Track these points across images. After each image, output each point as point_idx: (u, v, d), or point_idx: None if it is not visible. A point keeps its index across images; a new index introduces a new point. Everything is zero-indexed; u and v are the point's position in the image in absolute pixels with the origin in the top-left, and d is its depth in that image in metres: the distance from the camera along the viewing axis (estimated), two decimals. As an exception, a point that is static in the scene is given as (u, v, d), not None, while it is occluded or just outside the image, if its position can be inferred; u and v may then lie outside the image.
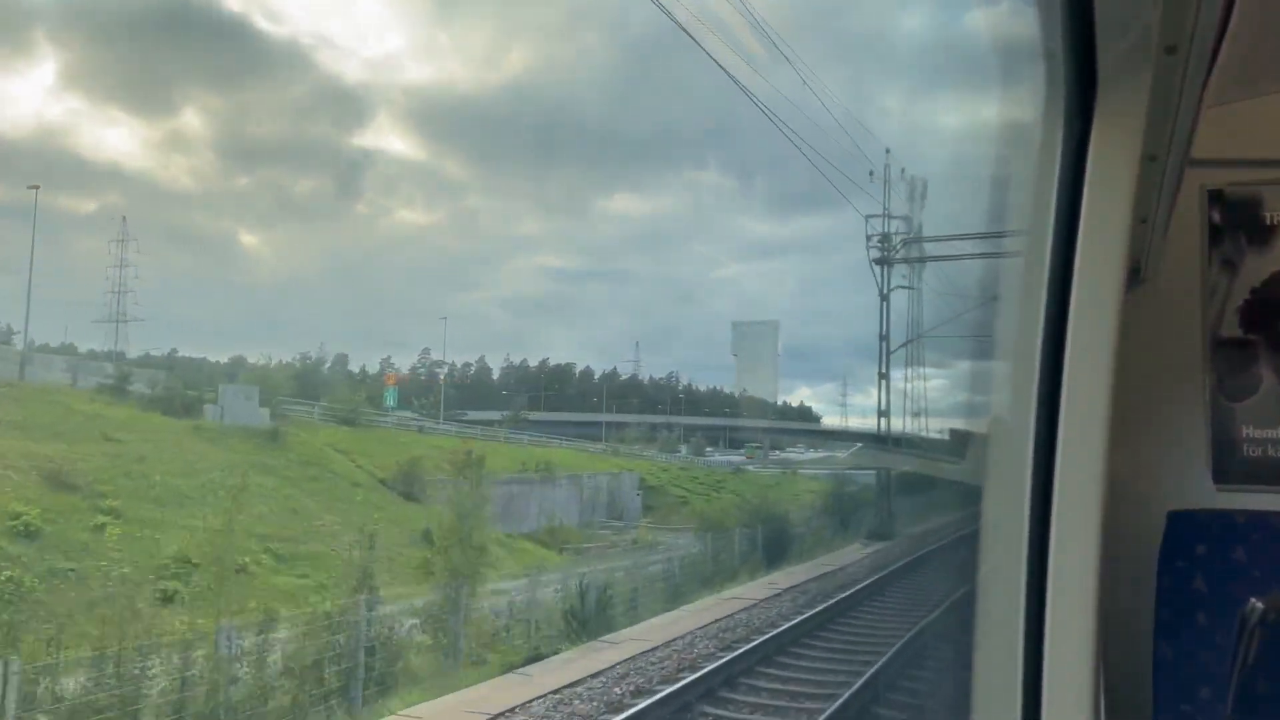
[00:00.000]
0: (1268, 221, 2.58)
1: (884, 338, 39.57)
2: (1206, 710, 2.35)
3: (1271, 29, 1.94)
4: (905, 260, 40.75)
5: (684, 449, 67.26)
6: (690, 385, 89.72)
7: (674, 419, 76.09)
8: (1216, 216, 2.60)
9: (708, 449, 69.11)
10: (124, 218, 60.25)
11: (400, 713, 12.88)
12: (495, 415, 64.88)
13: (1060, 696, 1.34)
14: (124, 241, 58.68)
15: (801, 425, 78.20)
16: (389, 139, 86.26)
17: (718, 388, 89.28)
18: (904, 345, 40.18)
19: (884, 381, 39.86)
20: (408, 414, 56.46)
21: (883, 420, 40.68)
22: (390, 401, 55.87)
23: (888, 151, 44.26)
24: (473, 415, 64.20)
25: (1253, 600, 1.54)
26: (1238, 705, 1.57)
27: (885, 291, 39.82)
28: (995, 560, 1.46)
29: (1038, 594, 1.37)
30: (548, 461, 45.98)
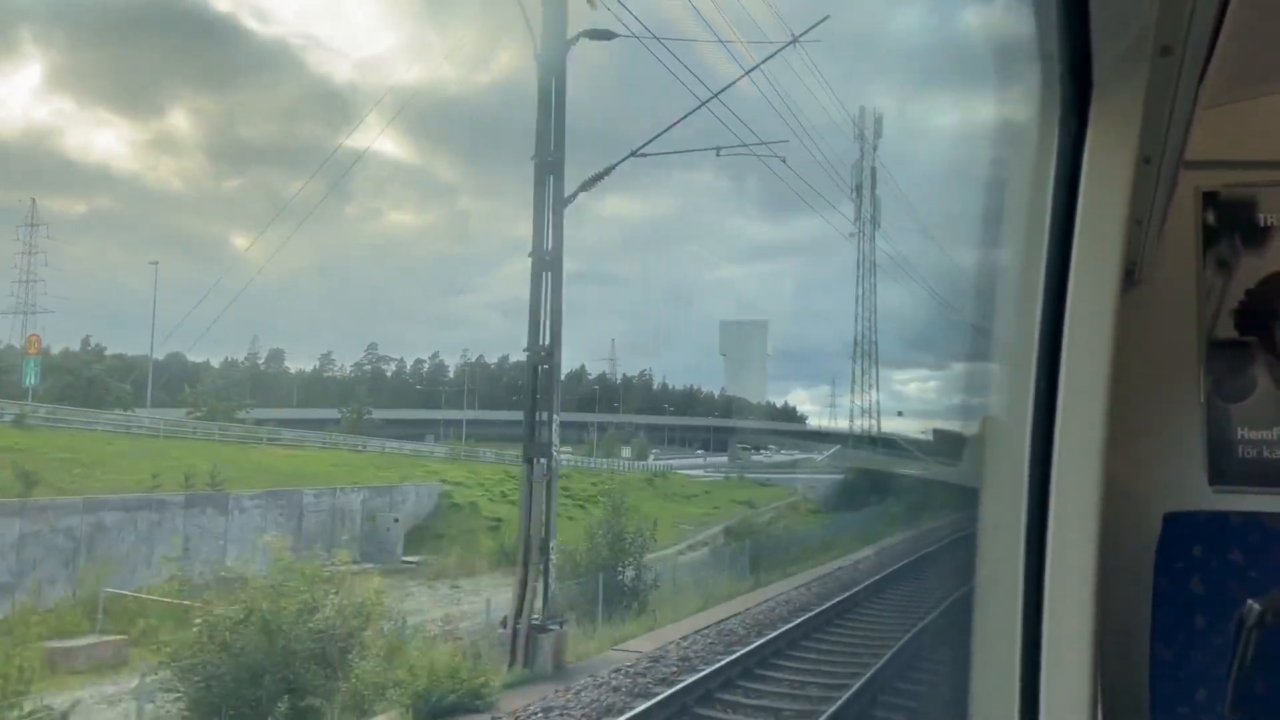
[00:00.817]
0: (1262, 223, 2.58)
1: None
2: (1204, 712, 2.35)
3: (1267, 31, 1.94)
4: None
5: (627, 450, 62.95)
6: (665, 384, 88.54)
7: (632, 418, 72.34)
8: (1211, 218, 2.60)
9: (653, 451, 65.65)
10: (33, 199, 52.79)
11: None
12: (334, 414, 54.29)
13: (1058, 699, 1.34)
14: (34, 226, 51.47)
15: (762, 425, 75.00)
16: (380, 140, 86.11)
17: (695, 387, 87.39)
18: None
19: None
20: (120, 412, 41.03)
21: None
22: (32, 379, 39.14)
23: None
24: (285, 414, 52.70)
25: (1250, 602, 1.54)
26: (1235, 707, 1.57)
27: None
28: (992, 562, 1.46)
29: (1035, 596, 1.36)
30: (214, 472, 29.15)
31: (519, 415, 18.31)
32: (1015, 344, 1.46)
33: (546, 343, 17.39)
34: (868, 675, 12.83)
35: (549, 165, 17.42)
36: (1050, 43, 1.34)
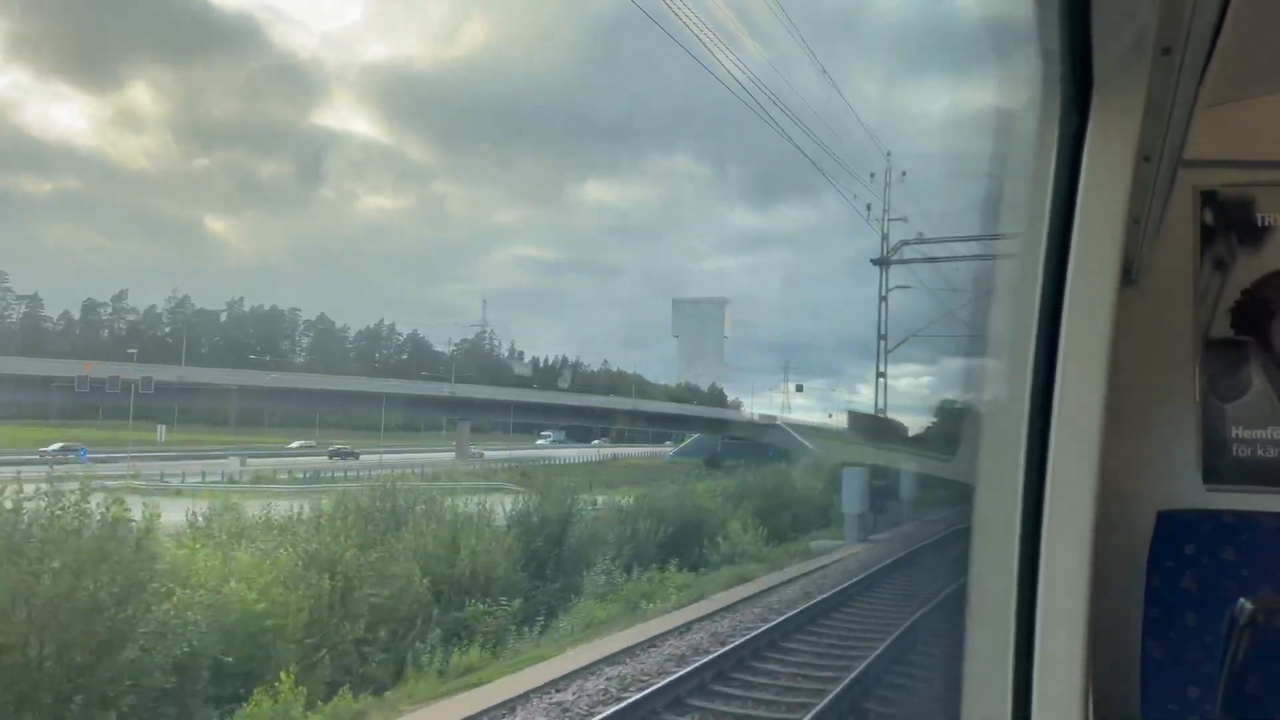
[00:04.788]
0: (1259, 223, 2.59)
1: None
2: (1194, 709, 2.36)
3: (1266, 32, 1.95)
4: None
5: (314, 433, 46.37)
6: (520, 353, 69.91)
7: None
8: (1209, 217, 2.61)
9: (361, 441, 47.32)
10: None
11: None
12: None
13: (1050, 694, 1.35)
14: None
15: (570, 400, 56.67)
16: (352, 120, 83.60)
17: (578, 360, 72.39)
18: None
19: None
20: None
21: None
22: None
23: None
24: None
25: (1242, 600, 1.55)
26: (1226, 705, 1.58)
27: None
28: (987, 557, 1.47)
29: (1029, 591, 1.37)
30: None
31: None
32: (1013, 340, 1.46)
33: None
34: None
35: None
36: (1051, 40, 1.34)
